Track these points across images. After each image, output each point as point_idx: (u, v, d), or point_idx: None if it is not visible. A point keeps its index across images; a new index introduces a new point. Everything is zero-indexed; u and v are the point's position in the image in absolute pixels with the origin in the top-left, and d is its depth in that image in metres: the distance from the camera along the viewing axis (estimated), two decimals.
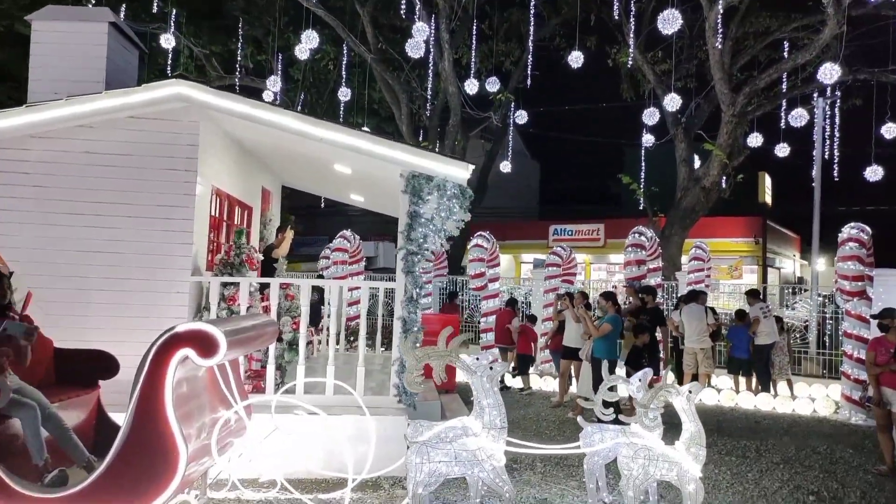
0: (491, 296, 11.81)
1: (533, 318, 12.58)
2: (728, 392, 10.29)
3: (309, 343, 6.31)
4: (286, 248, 8.19)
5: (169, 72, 20.25)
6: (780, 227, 27.36)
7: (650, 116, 15.98)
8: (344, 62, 18.82)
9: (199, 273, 6.21)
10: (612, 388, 5.42)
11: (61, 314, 5.64)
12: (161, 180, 6.04)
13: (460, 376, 12.23)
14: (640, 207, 16.80)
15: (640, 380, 5.05)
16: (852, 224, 9.15)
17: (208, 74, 23.28)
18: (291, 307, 6.37)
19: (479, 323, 12.68)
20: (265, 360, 6.10)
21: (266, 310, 6.18)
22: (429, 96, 18.25)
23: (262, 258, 8.00)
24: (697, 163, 16.88)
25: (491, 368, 4.55)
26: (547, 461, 6.33)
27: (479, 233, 11.62)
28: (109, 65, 6.27)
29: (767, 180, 29.01)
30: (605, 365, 5.34)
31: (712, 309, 11.57)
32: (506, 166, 21.33)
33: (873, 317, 7.40)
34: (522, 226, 29.48)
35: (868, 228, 9.19)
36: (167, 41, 17.33)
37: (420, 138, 20.18)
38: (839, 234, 9.23)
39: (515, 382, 10.98)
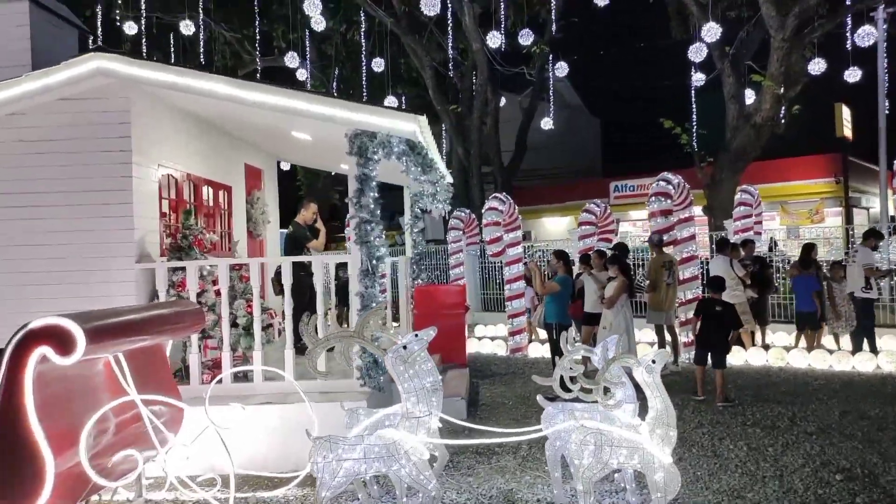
0: (512, 261, 11.04)
1: None
2: (777, 350, 9.17)
3: (269, 326, 5.85)
4: (322, 242, 7.84)
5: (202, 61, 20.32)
6: (865, 163, 24.81)
7: (697, 52, 14.56)
8: (362, 30, 18.16)
9: (149, 259, 5.86)
10: (583, 361, 4.73)
11: (3, 311, 5.44)
12: (96, 164, 5.69)
13: (474, 346, 11.64)
14: (688, 151, 15.38)
15: (607, 349, 4.29)
16: None
17: (243, 59, 23.28)
18: (246, 289, 5.92)
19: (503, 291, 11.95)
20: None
21: (217, 293, 5.76)
22: (451, 56, 17.34)
23: (289, 238, 7.66)
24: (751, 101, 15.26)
25: (405, 348, 3.91)
26: (534, 444, 5.66)
27: (494, 195, 10.86)
28: (38, 46, 5.95)
29: (846, 111, 26.29)
30: (565, 335, 4.60)
31: (757, 258, 10.38)
32: (547, 123, 20.10)
33: None
34: (582, 185, 28.19)
35: None
36: (187, 27, 17.25)
37: (449, 103, 19.39)
38: None
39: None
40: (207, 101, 5.85)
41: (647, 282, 9.20)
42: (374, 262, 5.59)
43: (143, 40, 19.11)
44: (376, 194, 5.63)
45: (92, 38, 18.54)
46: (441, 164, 7.93)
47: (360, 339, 4.04)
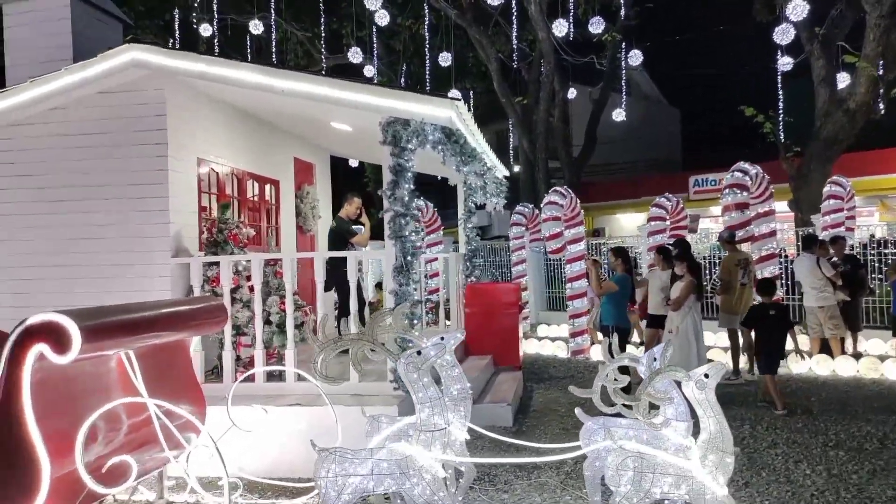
0: (573, 258, 10.45)
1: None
2: (870, 360, 8.21)
3: (302, 324, 5.62)
4: (366, 237, 7.69)
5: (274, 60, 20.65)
6: None
7: (783, 34, 13.43)
8: (426, 23, 17.90)
9: (186, 254, 5.76)
10: (624, 371, 4.22)
11: (46, 304, 5.46)
12: (133, 157, 5.64)
13: (534, 347, 11.07)
14: (771, 141, 14.21)
15: (654, 358, 3.77)
16: None
17: (315, 57, 23.58)
18: (280, 285, 5.72)
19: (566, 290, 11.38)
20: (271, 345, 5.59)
21: (251, 289, 5.59)
22: (515, 45, 16.81)
23: (334, 233, 7.54)
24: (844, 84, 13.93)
25: (419, 353, 3.54)
26: (581, 460, 5.17)
27: (554, 188, 10.32)
28: (80, 40, 5.96)
29: None
30: (606, 341, 4.10)
31: (849, 257, 9.38)
32: (620, 115, 19.17)
33: None
34: (659, 179, 26.97)
35: None
36: (255, 27, 17.53)
37: (516, 95, 18.86)
38: None
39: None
40: (248, 92, 5.70)
41: (720, 282, 8.46)
42: (409, 258, 5.25)
43: (216, 42, 19.59)
44: (412, 186, 5.29)
45: (171, 41, 19.23)
46: (489, 156, 7.53)
47: (370, 342, 3.70)
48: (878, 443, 5.40)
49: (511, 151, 22.80)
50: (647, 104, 34.69)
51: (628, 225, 27.00)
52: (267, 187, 7.64)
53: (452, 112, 5.08)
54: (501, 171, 9.43)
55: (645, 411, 3.51)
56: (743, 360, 8.28)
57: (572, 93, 19.28)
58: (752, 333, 6.79)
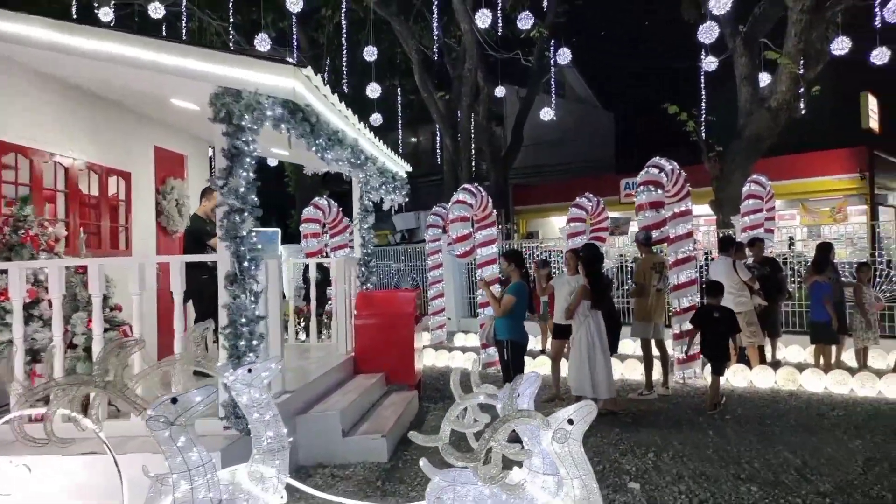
0: (485, 263, 9.63)
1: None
2: (788, 371, 7.69)
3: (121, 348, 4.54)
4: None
5: None
6: (892, 158, 23.01)
7: (707, 32, 13.03)
8: (342, 10, 16.86)
9: None
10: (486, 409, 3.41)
11: None
12: None
13: (444, 360, 10.21)
14: (694, 140, 13.84)
15: (517, 393, 2.92)
16: None
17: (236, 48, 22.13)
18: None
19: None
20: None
21: (50, 303, 4.48)
22: (436, 36, 15.95)
23: (188, 234, 6.45)
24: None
25: (174, 402, 2.58)
26: None
27: (463, 186, 9.49)
28: None
29: (872, 101, 24.45)
30: (475, 364, 3.24)
31: (768, 259, 8.92)
32: (548, 114, 18.54)
33: None
34: (592, 181, 26.70)
35: None
36: (156, 10, 16.07)
37: (444, 91, 18.02)
38: None
39: None
40: (79, 64, 4.61)
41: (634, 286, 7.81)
42: (247, 263, 4.26)
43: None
44: (251, 175, 4.30)
45: None
46: (378, 147, 6.60)
47: (102, 387, 2.71)
48: (795, 473, 4.74)
49: (439, 150, 22.00)
50: (582, 107, 34.71)
51: (562, 228, 26.66)
52: (113, 180, 6.49)
53: (296, 82, 4.14)
54: (402, 167, 8.55)
55: (496, 466, 2.65)
56: (658, 374, 7.64)
57: (501, 91, 18.59)
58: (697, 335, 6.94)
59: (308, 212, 10.50)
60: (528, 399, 2.85)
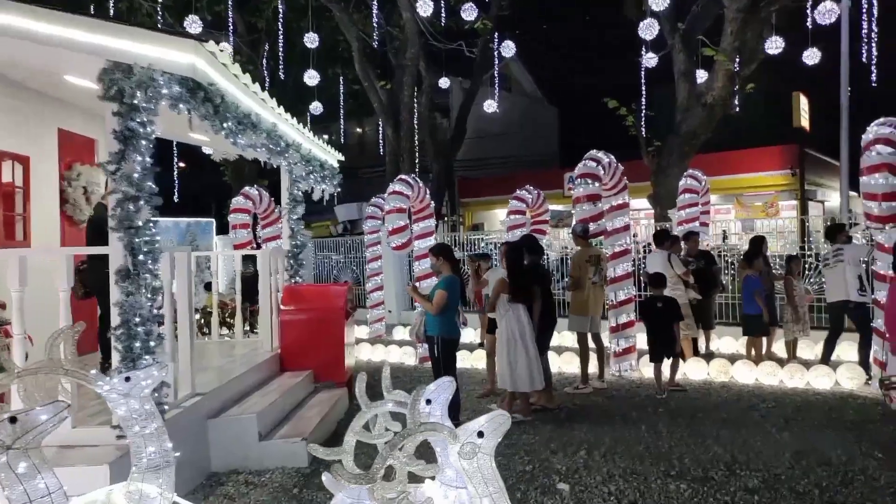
0: (422, 255, 9.38)
1: None
2: (720, 362, 7.73)
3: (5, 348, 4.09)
4: None
5: None
6: (822, 155, 23.89)
7: (648, 29, 13.07)
8: None
9: None
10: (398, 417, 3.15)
11: None
12: None
13: (380, 354, 9.89)
14: (633, 134, 13.89)
15: (427, 400, 2.66)
16: (882, 120, 6.38)
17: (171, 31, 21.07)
18: None
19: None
20: None
21: None
22: (375, 23, 15.51)
23: (91, 224, 5.91)
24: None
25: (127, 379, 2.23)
26: None
27: (400, 176, 9.19)
28: None
29: (803, 101, 25.36)
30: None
31: (702, 253, 8.99)
32: (491, 106, 18.35)
33: None
34: (535, 175, 26.79)
35: None
36: None
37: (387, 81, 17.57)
38: (863, 137, 6.48)
39: None
40: None
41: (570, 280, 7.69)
42: (142, 256, 3.86)
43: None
44: (148, 160, 3.90)
45: None
46: (290, 130, 6.23)
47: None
48: (725, 469, 4.66)
49: (382, 141, 21.57)
50: (527, 101, 34.93)
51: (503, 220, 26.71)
52: (7, 165, 5.92)
53: (196, 58, 3.76)
54: (333, 156, 8.20)
55: (400, 483, 2.39)
56: (594, 367, 7.56)
57: (445, 82, 18.31)
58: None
59: (237, 201, 10.00)
60: (440, 407, 2.60)
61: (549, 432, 5.66)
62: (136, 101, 3.72)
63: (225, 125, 4.17)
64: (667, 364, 7.16)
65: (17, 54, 4.39)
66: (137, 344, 3.81)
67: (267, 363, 6.61)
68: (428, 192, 9.56)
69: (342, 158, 8.38)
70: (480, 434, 2.24)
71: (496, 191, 26.20)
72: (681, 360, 7.76)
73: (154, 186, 3.92)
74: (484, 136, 30.41)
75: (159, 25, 16.01)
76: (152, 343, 3.89)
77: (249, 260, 8.70)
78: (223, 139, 4.36)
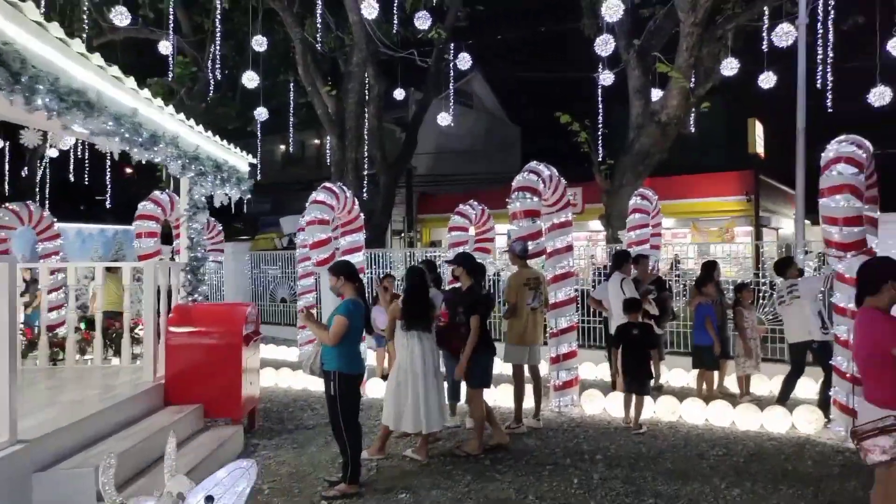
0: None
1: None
2: (668, 401, 7.01)
3: None
4: None
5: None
6: (776, 182, 23.90)
7: (603, 45, 12.54)
8: None
9: None
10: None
11: None
12: None
13: (301, 381, 8.80)
14: (585, 151, 13.30)
15: (210, 497, 1.78)
16: (843, 138, 5.79)
17: (101, 26, 19.91)
18: None
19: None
20: None
21: None
22: (318, 24, 14.65)
23: None
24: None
25: None
26: None
27: (324, 185, 8.31)
28: None
29: (759, 128, 25.42)
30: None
31: (655, 279, 8.36)
32: (444, 119, 17.60)
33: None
34: (495, 193, 26.18)
35: (868, 144, 5.83)
36: None
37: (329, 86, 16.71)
38: (822, 156, 5.88)
39: None
40: None
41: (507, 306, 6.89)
42: None
43: None
44: None
45: None
46: (169, 122, 5.31)
47: None
48: None
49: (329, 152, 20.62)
50: (490, 119, 34.69)
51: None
52: None
53: None
54: (241, 159, 7.30)
55: None
56: (529, 404, 6.75)
57: (400, 93, 17.55)
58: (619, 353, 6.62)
59: (144, 207, 8.95)
60: (232, 499, 1.74)
61: (465, 486, 4.81)
62: None
63: (38, 99, 3.25)
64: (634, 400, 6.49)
65: None
66: None
67: (144, 395, 5.61)
68: (356, 202, 8.70)
69: (254, 161, 7.49)
70: (210, 499, 1.44)
71: (455, 207, 25.54)
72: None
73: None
74: (447, 151, 29.82)
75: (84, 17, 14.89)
76: None
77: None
78: (46, 119, 3.45)
